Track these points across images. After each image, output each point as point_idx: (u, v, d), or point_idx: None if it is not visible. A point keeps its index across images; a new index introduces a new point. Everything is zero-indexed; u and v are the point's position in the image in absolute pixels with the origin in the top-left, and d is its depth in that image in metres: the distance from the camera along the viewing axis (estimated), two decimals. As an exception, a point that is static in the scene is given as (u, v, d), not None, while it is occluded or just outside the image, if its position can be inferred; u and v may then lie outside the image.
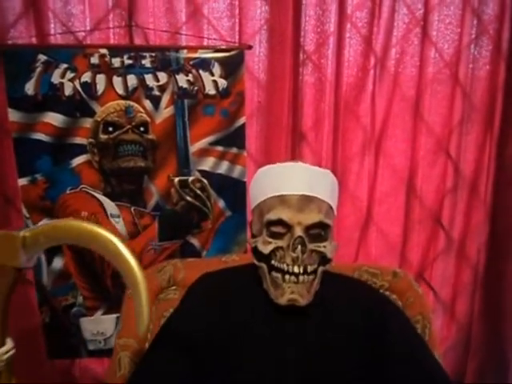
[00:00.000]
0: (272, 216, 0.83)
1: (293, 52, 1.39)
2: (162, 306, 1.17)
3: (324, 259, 0.85)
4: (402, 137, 1.50)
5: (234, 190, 1.44)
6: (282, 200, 0.83)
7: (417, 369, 0.84)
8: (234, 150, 1.40)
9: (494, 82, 1.47)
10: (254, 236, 0.89)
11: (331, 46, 1.38)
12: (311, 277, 0.82)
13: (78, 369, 1.57)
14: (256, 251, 0.86)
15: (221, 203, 1.44)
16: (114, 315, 1.49)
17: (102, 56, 1.32)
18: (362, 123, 1.46)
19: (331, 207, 0.87)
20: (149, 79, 1.34)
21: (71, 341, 1.50)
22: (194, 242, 1.46)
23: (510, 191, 1.51)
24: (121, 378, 1.06)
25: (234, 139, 1.39)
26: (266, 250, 0.83)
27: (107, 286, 1.47)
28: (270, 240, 0.83)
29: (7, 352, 0.65)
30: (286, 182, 0.85)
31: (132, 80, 1.34)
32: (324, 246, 0.83)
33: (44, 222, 1.39)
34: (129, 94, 1.35)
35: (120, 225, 1.44)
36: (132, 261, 0.59)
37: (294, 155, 1.46)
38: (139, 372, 0.90)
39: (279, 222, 0.82)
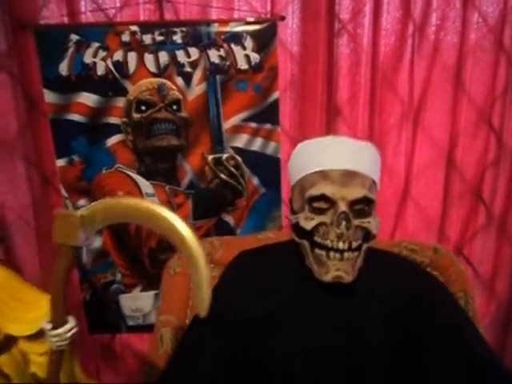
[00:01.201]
0: (314, 191, 0.81)
1: (327, 22, 1.33)
2: (201, 283, 1.18)
3: (368, 235, 0.83)
4: (442, 108, 1.43)
5: (268, 166, 1.42)
6: (324, 175, 0.81)
7: (461, 343, 0.82)
8: (268, 126, 1.38)
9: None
10: (294, 212, 0.88)
11: (367, 13, 1.32)
12: (355, 253, 0.81)
13: (118, 344, 1.62)
14: (297, 228, 0.84)
15: (255, 180, 1.43)
16: (152, 292, 1.53)
17: (133, 33, 1.30)
18: (399, 94, 1.40)
19: (374, 182, 0.85)
20: (180, 55, 1.32)
21: (111, 317, 1.54)
22: (229, 219, 1.46)
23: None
24: (163, 355, 1.08)
25: (267, 115, 1.37)
26: (308, 225, 0.81)
27: (144, 264, 1.50)
28: (313, 216, 0.81)
29: (71, 329, 0.67)
30: (328, 156, 0.82)
31: (163, 57, 1.32)
32: (368, 222, 0.81)
33: (83, 202, 1.42)
34: (161, 72, 1.33)
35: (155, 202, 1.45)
36: (188, 236, 0.58)
37: (329, 130, 1.42)
38: (180, 350, 0.91)
39: (322, 198, 0.80)
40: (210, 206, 1.45)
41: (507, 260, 1.59)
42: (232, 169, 1.41)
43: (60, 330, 0.67)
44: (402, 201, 1.51)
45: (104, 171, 1.41)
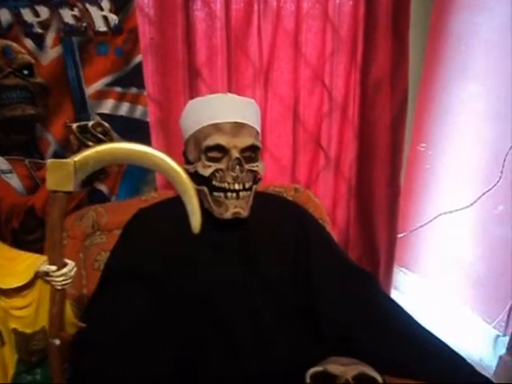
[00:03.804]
0: (210, 142, 0.90)
1: (180, -15, 1.38)
2: (91, 251, 1.18)
3: (256, 178, 0.97)
4: (286, 68, 1.64)
5: (137, 130, 1.42)
6: (217, 128, 0.91)
7: (333, 253, 1.07)
8: (134, 90, 1.38)
9: (356, 17, 1.68)
10: (190, 163, 0.96)
11: (217, -21, 1.41)
12: (248, 193, 0.94)
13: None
14: (196, 175, 0.93)
15: (125, 145, 1.42)
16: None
17: (-40, -15, 1.13)
18: (250, 57, 1.55)
19: (258, 133, 0.99)
20: (26, 14, 1.20)
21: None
22: (102, 187, 1.44)
23: (372, 112, 1.79)
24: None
25: (131, 79, 1.36)
26: (206, 172, 0.91)
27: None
28: (210, 164, 0.91)
29: (73, 269, 0.73)
30: (220, 111, 0.93)
31: (5, 15, 1.18)
32: (257, 166, 0.95)
33: None
34: (3, 32, 1.19)
35: (14, 180, 1.32)
36: (179, 170, 0.68)
37: (192, 91, 1.50)
38: (95, 311, 0.92)
39: (216, 148, 0.91)
40: (79, 176, 1.39)
41: (343, 194, 1.95)
42: (100, 135, 1.37)
43: (65, 270, 0.71)
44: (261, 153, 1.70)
45: None
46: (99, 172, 1.41)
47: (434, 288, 2.06)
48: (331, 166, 1.87)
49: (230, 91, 1.55)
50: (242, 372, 0.89)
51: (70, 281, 0.73)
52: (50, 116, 1.30)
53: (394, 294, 2.11)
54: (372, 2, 1.63)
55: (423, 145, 2.03)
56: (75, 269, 0.74)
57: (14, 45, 1.21)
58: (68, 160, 0.66)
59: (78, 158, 0.66)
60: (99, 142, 1.38)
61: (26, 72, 1.24)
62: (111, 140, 1.40)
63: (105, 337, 0.86)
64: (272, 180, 1.73)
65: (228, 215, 0.92)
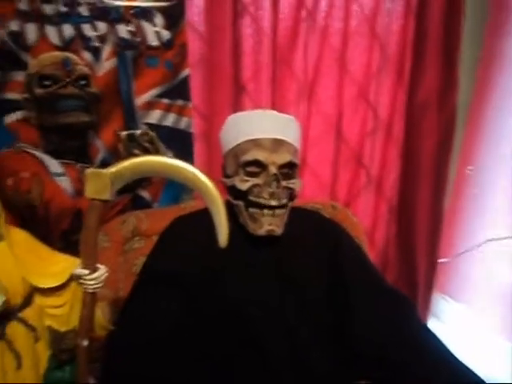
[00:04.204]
0: (248, 157, 0.92)
1: (231, 3, 1.42)
2: (130, 255, 1.22)
3: (292, 195, 0.97)
4: (331, 85, 1.64)
5: (181, 141, 1.48)
6: (256, 143, 0.93)
7: (368, 274, 1.04)
8: (180, 102, 1.43)
9: (405, 35, 1.66)
10: (228, 177, 0.98)
11: (266, -3, 1.44)
12: (284, 210, 0.95)
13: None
14: (233, 189, 0.95)
15: (169, 155, 1.48)
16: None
17: (31, 1, 1.23)
18: (296, 73, 1.57)
19: (297, 149, 1.00)
20: (87, 29, 1.29)
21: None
22: (145, 194, 1.49)
23: (418, 132, 1.76)
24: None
25: (179, 91, 1.42)
26: (244, 186, 0.92)
27: (56, 247, 1.44)
28: (247, 178, 0.93)
29: (104, 274, 0.77)
30: (259, 127, 0.94)
31: (68, 30, 1.27)
32: (293, 183, 0.95)
33: None
34: (65, 45, 1.28)
35: (66, 183, 1.39)
36: (209, 185, 0.70)
37: (236, 105, 1.53)
38: (130, 313, 0.95)
39: (255, 163, 0.92)
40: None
41: (383, 214, 1.92)
42: (146, 144, 1.42)
43: (96, 275, 0.74)
44: (301, 168, 1.71)
45: (4, 151, 1.32)
46: (142, 180, 1.46)
47: (478, 318, 1.96)
48: (372, 185, 1.84)
49: (273, 106, 1.58)
50: None
51: (100, 285, 0.76)
52: (102, 124, 1.37)
53: (434, 322, 2.03)
54: (423, 21, 1.61)
55: (470, 168, 1.96)
56: (106, 274, 0.78)
57: (74, 57, 1.29)
58: (105, 170, 0.69)
59: (114, 169, 0.70)
60: (145, 150, 1.44)
61: (82, 82, 1.32)
62: (157, 149, 1.45)
63: (139, 339, 0.87)
64: (311, 196, 1.73)
65: (262, 232, 0.93)
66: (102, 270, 0.77)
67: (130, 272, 1.18)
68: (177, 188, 1.53)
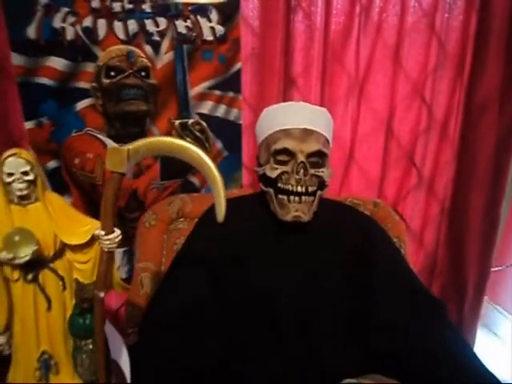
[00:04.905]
0: (278, 146, 0.97)
1: (284, -1, 1.47)
2: (173, 235, 1.32)
3: (321, 184, 1.00)
4: (383, 82, 1.63)
5: (230, 131, 1.55)
6: (286, 133, 0.97)
7: (398, 273, 1.03)
8: (231, 94, 1.51)
9: (466, 32, 1.60)
10: (260, 166, 1.03)
11: (320, -7, 1.47)
12: (311, 197, 0.98)
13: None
14: (264, 177, 1.00)
15: (218, 144, 1.56)
16: (121, 249, 1.63)
17: (102, 0, 1.36)
18: (347, 69, 1.57)
19: (327, 140, 1.02)
20: (149, 24, 1.40)
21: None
22: (194, 180, 1.59)
23: (475, 133, 1.68)
24: (143, 296, 1.21)
25: (230, 84, 1.49)
26: (273, 174, 0.97)
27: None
28: (277, 166, 0.97)
29: (118, 236, 0.87)
30: (290, 117, 0.98)
31: (132, 25, 1.40)
32: (322, 171, 0.98)
33: (52, 163, 1.48)
34: (130, 39, 1.41)
35: (124, 165, 1.54)
36: (211, 165, 0.78)
37: (285, 99, 1.57)
38: (165, 286, 1.03)
39: (284, 151, 0.96)
40: (176, 168, 1.56)
41: (434, 216, 1.86)
42: (197, 133, 1.53)
43: (111, 236, 0.85)
44: (347, 164, 1.71)
45: (74, 134, 1.48)
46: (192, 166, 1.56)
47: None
48: (424, 185, 1.80)
49: (322, 101, 1.60)
50: (287, 374, 0.91)
51: (115, 245, 0.87)
52: (158, 112, 1.49)
53: (483, 332, 1.93)
54: (486, 17, 1.54)
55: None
56: (120, 237, 0.88)
57: (137, 50, 1.42)
58: (123, 147, 0.79)
59: (131, 146, 0.79)
60: (196, 138, 1.54)
61: (143, 73, 1.45)
62: (207, 138, 1.55)
63: (171, 309, 0.95)
64: (358, 193, 1.73)
65: (289, 218, 0.97)
66: (117, 233, 0.87)
67: (172, 249, 1.28)
68: (224, 176, 1.60)
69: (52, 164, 1.48)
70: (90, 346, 1.04)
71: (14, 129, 1.47)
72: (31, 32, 1.34)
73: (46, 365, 1.01)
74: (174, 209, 1.34)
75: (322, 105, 1.60)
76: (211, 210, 1.13)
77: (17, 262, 0.93)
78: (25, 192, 0.95)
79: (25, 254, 0.92)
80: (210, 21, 1.41)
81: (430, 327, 0.94)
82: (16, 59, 1.36)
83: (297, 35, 1.51)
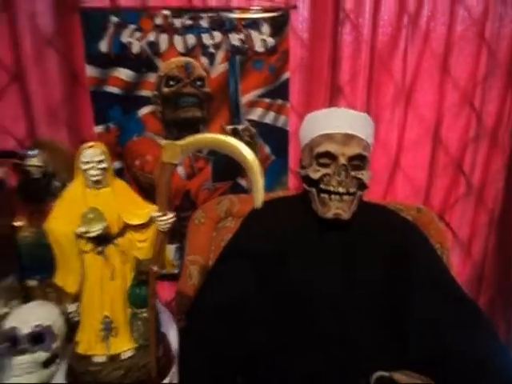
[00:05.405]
0: (321, 149, 1.03)
1: (333, 12, 1.54)
2: (221, 232, 1.41)
3: (362, 185, 1.05)
4: (430, 90, 1.64)
5: (278, 137, 1.64)
6: (328, 137, 1.03)
7: (437, 277, 1.03)
8: (279, 101, 1.59)
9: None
10: (303, 168, 1.10)
11: (368, 5, 1.52)
12: (351, 197, 1.03)
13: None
14: (307, 179, 1.07)
15: (266, 149, 1.65)
16: (174, 245, 1.75)
17: (165, 17, 1.51)
18: (394, 77, 1.61)
19: (368, 144, 1.07)
20: (205, 38, 1.53)
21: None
22: (243, 182, 1.69)
23: (528, 141, 1.65)
24: (191, 287, 1.32)
25: (279, 92, 1.58)
26: (315, 176, 1.03)
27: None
28: (319, 168, 1.03)
29: (171, 218, 1.04)
30: (332, 122, 1.04)
31: (191, 39, 1.53)
32: (362, 174, 1.03)
33: (116, 164, 1.63)
34: (188, 52, 1.54)
35: (180, 168, 1.67)
36: (250, 157, 0.90)
37: (332, 107, 1.63)
38: (212, 279, 1.10)
39: (326, 154, 1.02)
40: (227, 171, 1.67)
41: (483, 226, 1.82)
42: (247, 138, 1.63)
43: (165, 217, 1.03)
44: (393, 171, 1.73)
45: (135, 138, 1.63)
46: (242, 169, 1.66)
47: None
48: (473, 194, 1.78)
49: (368, 108, 1.65)
50: (325, 369, 0.95)
51: (168, 226, 1.04)
52: (211, 119, 1.60)
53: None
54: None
55: None
56: (174, 218, 1.05)
57: (194, 61, 1.55)
58: (177, 142, 0.95)
59: (183, 141, 0.95)
60: (246, 143, 1.63)
61: (199, 83, 1.57)
62: (255, 144, 1.64)
63: (216, 300, 1.02)
64: (403, 201, 1.74)
65: (329, 215, 1.02)
66: (171, 215, 1.03)
67: (220, 246, 1.37)
68: (271, 180, 1.69)
69: (116, 165, 1.63)
70: (145, 315, 1.19)
71: (85, 132, 1.65)
72: (103, 46, 1.51)
73: (108, 327, 1.16)
74: (223, 208, 1.43)
75: (368, 112, 1.64)
76: (256, 210, 1.22)
77: (90, 235, 1.09)
78: (99, 177, 1.12)
79: (96, 228, 1.08)
80: (261, 33, 1.51)
81: (477, 337, 0.92)
82: (90, 71, 1.53)
83: (344, 46, 1.57)
